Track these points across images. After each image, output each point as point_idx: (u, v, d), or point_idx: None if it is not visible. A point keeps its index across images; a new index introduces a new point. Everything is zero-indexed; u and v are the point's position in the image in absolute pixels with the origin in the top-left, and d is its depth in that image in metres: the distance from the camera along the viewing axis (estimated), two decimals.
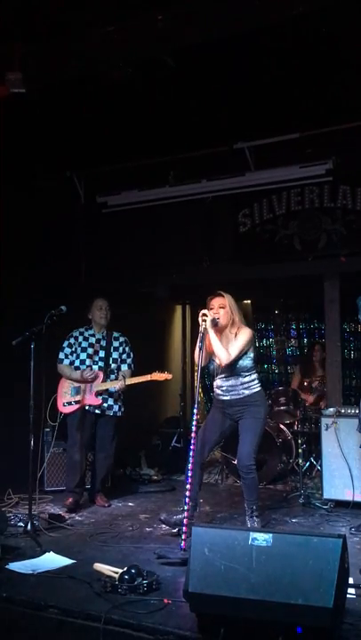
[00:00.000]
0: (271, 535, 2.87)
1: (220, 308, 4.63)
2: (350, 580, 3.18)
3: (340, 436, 5.33)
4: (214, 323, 4.52)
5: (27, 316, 5.01)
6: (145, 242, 7.29)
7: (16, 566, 3.80)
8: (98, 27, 4.69)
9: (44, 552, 4.10)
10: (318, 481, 5.89)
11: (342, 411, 5.51)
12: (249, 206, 6.98)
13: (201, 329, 4.44)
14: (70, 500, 5.35)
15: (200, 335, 4.43)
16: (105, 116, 6.03)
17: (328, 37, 4.87)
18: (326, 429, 5.44)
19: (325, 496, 5.42)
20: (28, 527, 4.49)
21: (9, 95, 4.96)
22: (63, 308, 5.13)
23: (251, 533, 2.90)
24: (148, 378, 5.35)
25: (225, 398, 4.70)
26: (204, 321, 4.44)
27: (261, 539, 2.86)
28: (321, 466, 5.60)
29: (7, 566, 3.79)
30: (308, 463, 6.29)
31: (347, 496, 5.26)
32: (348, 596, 3.06)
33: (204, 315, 4.46)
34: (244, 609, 2.76)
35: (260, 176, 6.61)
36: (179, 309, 9.67)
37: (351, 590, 3.23)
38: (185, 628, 2.93)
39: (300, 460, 5.89)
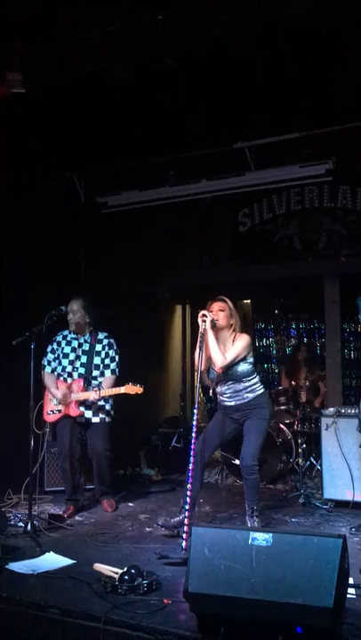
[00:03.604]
0: (271, 535, 2.87)
1: (220, 310, 4.63)
2: (350, 580, 3.18)
3: (340, 435, 5.32)
4: (213, 324, 4.51)
5: (27, 316, 5.02)
6: (145, 242, 7.29)
7: (16, 566, 3.80)
8: (98, 27, 4.69)
9: (44, 552, 4.10)
10: (318, 481, 5.89)
11: (342, 411, 5.51)
12: (249, 206, 6.98)
13: (201, 329, 4.45)
14: (69, 511, 5.23)
15: (200, 336, 4.43)
16: (105, 116, 6.03)
17: (328, 37, 4.87)
18: (326, 429, 5.43)
19: (325, 496, 5.42)
20: (28, 527, 4.49)
21: (9, 95, 4.96)
22: (63, 308, 5.14)
23: (251, 533, 2.90)
24: (121, 390, 5.11)
25: (230, 404, 4.69)
26: (204, 322, 4.45)
27: (261, 538, 2.86)
28: (321, 466, 5.60)
29: (7, 566, 3.79)
30: (308, 463, 6.28)
31: (347, 496, 5.26)
32: (348, 595, 3.06)
33: (204, 315, 4.47)
34: (244, 609, 2.76)
35: (260, 176, 6.60)
36: (179, 309, 9.67)
37: (351, 590, 3.23)
38: (185, 627, 2.93)
39: (300, 460, 5.89)
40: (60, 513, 5.22)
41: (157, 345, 8.97)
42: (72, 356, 5.38)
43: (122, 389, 5.12)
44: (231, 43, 4.77)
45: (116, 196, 7.25)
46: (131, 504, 5.71)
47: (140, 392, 5.11)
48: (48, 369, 5.41)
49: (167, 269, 7.33)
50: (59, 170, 7.15)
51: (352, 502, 5.22)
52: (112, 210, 7.27)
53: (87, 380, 5.31)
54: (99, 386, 5.25)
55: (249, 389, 4.64)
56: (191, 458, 4.14)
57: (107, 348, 5.41)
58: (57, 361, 5.40)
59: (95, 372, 5.36)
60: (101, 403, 5.33)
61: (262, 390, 4.71)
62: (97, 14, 4.61)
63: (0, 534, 4.37)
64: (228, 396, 4.68)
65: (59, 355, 5.40)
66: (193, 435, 4.21)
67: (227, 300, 4.69)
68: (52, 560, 3.97)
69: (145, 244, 7.29)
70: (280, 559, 2.79)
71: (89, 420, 5.35)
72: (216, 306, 4.66)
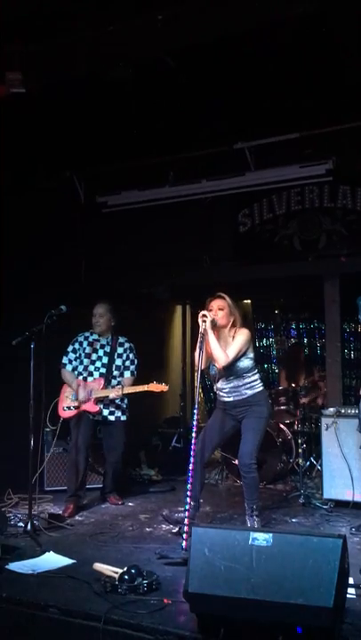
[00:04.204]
0: (271, 535, 2.87)
1: (220, 309, 4.63)
2: (350, 580, 3.19)
3: (341, 436, 5.32)
4: (213, 324, 4.51)
5: (27, 316, 5.01)
6: (145, 242, 7.29)
7: (16, 566, 3.81)
8: (98, 27, 4.69)
9: (44, 552, 4.10)
10: (318, 481, 5.89)
11: (342, 411, 5.51)
12: (249, 206, 6.98)
13: (201, 330, 4.44)
14: (70, 509, 5.27)
15: (200, 336, 4.43)
16: (105, 116, 6.03)
17: (328, 37, 4.86)
18: (326, 429, 5.44)
19: (325, 496, 5.42)
20: (28, 527, 4.49)
21: (9, 95, 4.95)
22: (63, 307, 5.14)
23: (251, 533, 2.90)
24: (145, 388, 5.27)
25: (228, 400, 4.70)
26: (204, 322, 4.44)
27: (261, 538, 2.86)
28: (321, 466, 5.60)
29: (7, 566, 3.80)
30: (308, 463, 6.28)
31: (347, 496, 5.26)
32: (348, 595, 3.06)
33: (204, 316, 4.46)
34: (245, 609, 2.76)
35: (260, 176, 6.61)
36: (179, 309, 9.67)
37: (351, 590, 3.23)
38: (185, 628, 2.93)
39: (301, 460, 5.89)
40: (60, 513, 5.22)
41: (157, 345, 8.96)
42: (94, 357, 5.60)
43: (145, 387, 5.27)
44: (231, 42, 4.76)
45: (115, 195, 7.26)
46: (131, 504, 5.71)
47: (165, 390, 5.27)
48: (69, 367, 5.59)
49: (167, 269, 7.32)
50: (59, 170, 7.15)
51: (352, 502, 5.22)
52: (112, 209, 7.27)
53: (107, 380, 5.51)
54: (119, 384, 5.47)
55: (248, 386, 4.64)
56: (191, 458, 4.14)
57: (128, 351, 5.67)
58: (78, 360, 5.59)
59: (115, 373, 5.58)
60: (118, 401, 5.51)
61: (261, 388, 4.71)
62: (97, 14, 4.61)
63: (0, 534, 4.37)
64: (226, 391, 4.68)
65: (80, 354, 5.60)
66: (193, 435, 4.22)
67: (225, 296, 4.68)
68: (51, 560, 3.97)
69: (145, 244, 7.29)
70: (280, 559, 2.79)
71: (105, 418, 5.51)
72: (215, 304, 4.65)
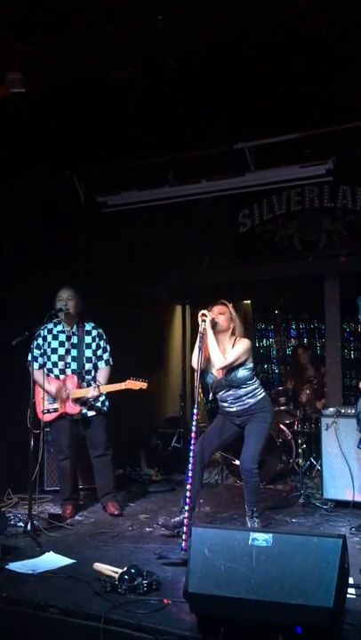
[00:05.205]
0: (271, 535, 2.87)
1: (220, 314, 4.60)
2: (350, 580, 3.19)
3: (341, 435, 5.32)
4: (213, 323, 4.49)
5: (26, 316, 5.01)
6: (145, 242, 7.29)
7: (16, 566, 3.81)
8: (98, 27, 4.69)
9: (44, 552, 4.11)
10: (318, 481, 5.89)
11: (342, 411, 5.51)
12: (249, 206, 6.99)
13: (200, 329, 4.43)
14: (69, 510, 5.20)
15: (199, 335, 4.42)
16: (105, 116, 6.02)
17: (328, 37, 4.86)
18: (326, 429, 5.44)
19: (325, 496, 5.42)
20: (28, 527, 4.49)
21: (9, 95, 4.95)
22: (63, 307, 5.13)
23: (251, 533, 2.90)
24: (122, 386, 4.96)
25: (232, 410, 4.66)
26: (204, 321, 4.43)
27: (261, 539, 2.86)
28: (321, 466, 5.60)
29: (7, 566, 3.80)
30: (308, 463, 6.28)
31: (347, 496, 5.26)
32: (348, 595, 3.06)
33: (204, 315, 4.45)
34: (244, 609, 2.76)
35: (260, 176, 6.59)
36: (179, 309, 9.67)
37: (351, 590, 3.23)
38: (185, 628, 2.93)
39: (301, 460, 5.89)
40: (60, 513, 5.22)
41: (157, 345, 8.96)
42: (61, 351, 5.17)
43: (122, 386, 4.97)
44: (231, 43, 4.76)
45: (115, 195, 7.25)
46: (131, 504, 5.71)
47: (144, 387, 4.95)
48: (36, 365, 5.12)
49: (167, 269, 7.33)
50: (59, 169, 7.14)
51: (352, 502, 5.22)
52: (112, 209, 7.26)
53: (80, 376, 5.15)
54: (93, 380, 5.13)
55: (250, 395, 4.61)
56: (191, 458, 4.14)
57: (97, 338, 5.24)
58: (45, 356, 5.13)
59: (88, 366, 5.19)
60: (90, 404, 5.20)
61: (263, 395, 4.69)
62: (97, 14, 4.61)
63: (0, 534, 4.38)
64: (229, 402, 4.65)
65: (45, 350, 5.15)
66: (193, 435, 4.21)
67: (227, 304, 4.67)
68: (51, 560, 3.98)
69: (145, 244, 7.29)
70: (280, 559, 2.80)
71: (85, 414, 5.20)
72: (216, 309, 4.63)
